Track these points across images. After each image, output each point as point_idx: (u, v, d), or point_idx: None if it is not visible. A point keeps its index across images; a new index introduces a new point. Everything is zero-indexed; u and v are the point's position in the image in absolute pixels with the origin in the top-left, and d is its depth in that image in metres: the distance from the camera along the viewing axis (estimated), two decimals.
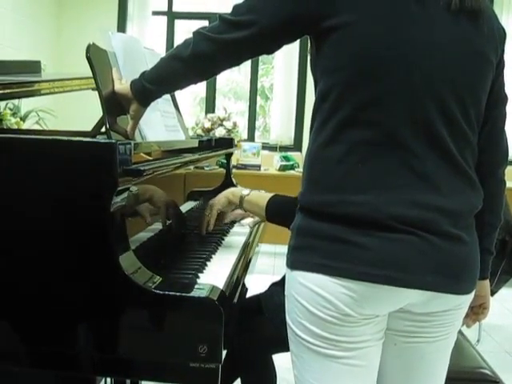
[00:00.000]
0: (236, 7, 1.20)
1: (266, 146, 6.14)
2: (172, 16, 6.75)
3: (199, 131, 5.61)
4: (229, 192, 1.85)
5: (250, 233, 2.03)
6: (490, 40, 1.18)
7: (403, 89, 1.10)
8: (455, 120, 1.14)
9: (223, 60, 1.28)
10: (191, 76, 1.35)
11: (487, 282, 1.37)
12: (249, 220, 2.03)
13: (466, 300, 1.22)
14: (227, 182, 2.57)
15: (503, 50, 1.24)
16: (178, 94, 1.64)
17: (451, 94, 1.13)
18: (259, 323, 1.88)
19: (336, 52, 1.12)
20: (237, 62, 1.28)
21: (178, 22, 6.79)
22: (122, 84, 1.49)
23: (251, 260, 1.80)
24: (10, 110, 4.45)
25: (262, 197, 1.77)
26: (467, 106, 1.15)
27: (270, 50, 1.25)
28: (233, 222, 2.11)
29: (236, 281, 1.46)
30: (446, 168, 1.14)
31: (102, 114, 1.49)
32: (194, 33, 1.26)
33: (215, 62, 1.28)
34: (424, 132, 1.11)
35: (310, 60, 1.22)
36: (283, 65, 6.52)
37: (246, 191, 1.80)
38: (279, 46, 1.23)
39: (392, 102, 1.10)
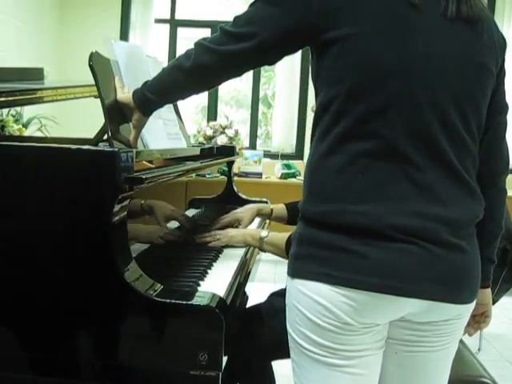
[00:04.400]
0: (237, 19, 1.20)
1: (267, 154, 6.14)
2: (174, 24, 6.77)
3: (201, 139, 5.62)
4: (247, 234, 1.88)
5: None
6: (490, 49, 1.19)
7: (404, 100, 1.11)
8: (456, 130, 1.14)
9: (224, 71, 1.28)
10: (193, 87, 1.36)
11: (489, 291, 1.37)
12: None
13: (467, 310, 1.22)
14: (229, 190, 2.58)
15: (504, 59, 1.25)
16: (180, 102, 1.64)
17: (451, 104, 1.13)
18: (260, 330, 1.88)
19: (336, 64, 1.12)
20: (238, 73, 1.29)
21: (180, 30, 6.81)
22: (125, 93, 1.50)
23: (252, 268, 1.81)
24: (13, 116, 4.46)
25: (279, 238, 1.79)
26: (468, 116, 1.16)
27: (271, 61, 1.26)
28: None
29: (237, 289, 1.46)
30: (447, 178, 1.14)
31: (104, 121, 1.49)
32: (196, 44, 1.26)
33: (216, 74, 1.29)
34: (424, 142, 1.12)
35: (311, 70, 1.22)
36: (285, 73, 6.53)
37: (264, 233, 1.84)
38: (280, 58, 1.24)
39: (393, 114, 1.11)
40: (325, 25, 1.12)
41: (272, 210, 2.21)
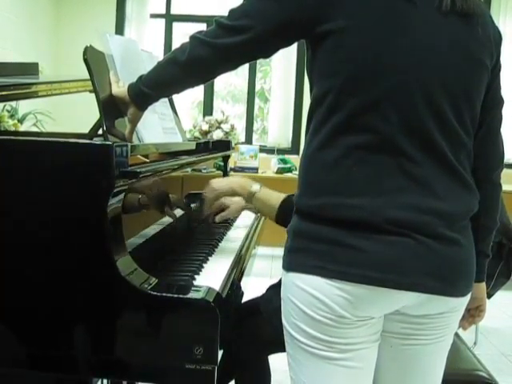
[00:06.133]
0: (232, 12, 1.20)
1: (263, 149, 6.15)
2: (170, 19, 6.74)
3: (197, 134, 5.61)
4: (235, 182, 1.79)
5: (247, 235, 2.03)
6: (485, 44, 1.19)
7: (398, 94, 1.11)
8: (450, 124, 1.15)
9: (220, 64, 1.28)
10: (188, 80, 1.36)
11: (483, 285, 1.38)
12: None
13: (462, 303, 1.23)
14: None
15: (499, 54, 1.25)
16: (176, 96, 1.64)
17: (446, 98, 1.13)
18: (257, 324, 1.88)
19: (331, 57, 1.12)
20: (233, 66, 1.29)
21: (176, 25, 6.78)
22: (120, 87, 1.49)
23: (248, 262, 1.81)
24: (8, 111, 4.44)
25: (273, 196, 1.73)
26: (462, 111, 1.16)
27: (266, 54, 1.26)
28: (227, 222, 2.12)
29: (232, 283, 1.46)
30: (442, 171, 1.14)
31: (99, 116, 1.49)
32: (191, 37, 1.26)
33: (212, 67, 1.29)
34: (419, 136, 1.12)
35: (306, 64, 1.22)
36: (281, 67, 6.51)
37: (256, 186, 1.76)
38: (275, 50, 1.24)
39: (387, 107, 1.11)
40: (319, 17, 1.12)
41: None
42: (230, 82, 9.15)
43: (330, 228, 1.11)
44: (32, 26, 5.94)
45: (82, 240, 1.21)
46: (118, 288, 1.19)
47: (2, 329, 1.26)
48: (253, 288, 2.16)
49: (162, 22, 6.74)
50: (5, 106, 4.41)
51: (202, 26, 6.44)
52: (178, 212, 1.92)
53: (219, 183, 1.81)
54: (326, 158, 1.14)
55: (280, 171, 5.37)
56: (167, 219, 1.77)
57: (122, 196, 1.24)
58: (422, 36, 1.12)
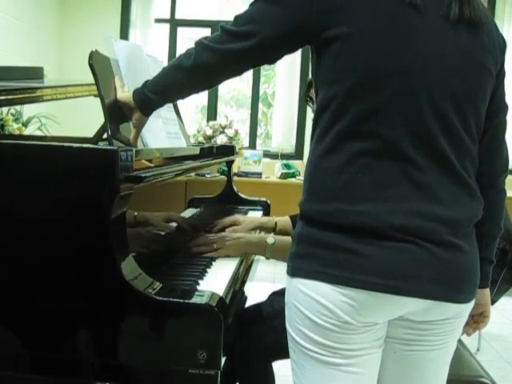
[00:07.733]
0: (237, 18, 1.21)
1: (267, 154, 6.14)
2: (174, 23, 6.77)
3: (201, 138, 5.62)
4: (248, 244, 1.77)
5: None
6: (490, 51, 1.19)
7: (403, 100, 1.11)
8: (455, 130, 1.15)
9: (225, 70, 1.28)
10: (193, 86, 1.36)
11: (487, 291, 1.38)
12: None
13: (466, 309, 1.22)
14: (228, 190, 2.58)
15: (503, 61, 1.25)
16: (180, 101, 1.65)
17: (451, 104, 1.13)
18: (260, 330, 1.88)
19: (336, 63, 1.13)
20: (238, 72, 1.29)
21: (180, 30, 6.81)
22: (125, 92, 1.50)
23: (251, 267, 1.81)
24: (12, 115, 4.45)
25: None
26: (467, 117, 1.16)
27: (271, 60, 1.26)
28: None
29: (236, 288, 1.46)
30: (446, 178, 1.14)
31: (103, 120, 1.49)
32: (196, 43, 1.27)
33: (217, 73, 1.29)
34: (424, 142, 1.12)
35: (311, 70, 1.23)
36: (285, 72, 6.53)
37: (270, 239, 1.73)
38: (280, 57, 1.24)
39: (392, 113, 1.11)
40: (324, 24, 1.12)
41: (276, 223, 2.09)
42: (234, 87, 9.17)
43: (335, 234, 1.12)
44: (37, 30, 5.97)
45: (87, 245, 1.22)
46: (122, 293, 1.19)
47: (5, 332, 1.26)
48: (256, 292, 2.16)
49: (167, 26, 6.77)
50: (9, 109, 4.43)
51: (207, 31, 6.46)
52: (185, 214, 1.93)
53: (233, 244, 1.75)
54: (330, 164, 1.14)
55: (284, 176, 5.37)
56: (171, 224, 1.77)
57: (126, 201, 1.24)
58: (427, 42, 1.12)
